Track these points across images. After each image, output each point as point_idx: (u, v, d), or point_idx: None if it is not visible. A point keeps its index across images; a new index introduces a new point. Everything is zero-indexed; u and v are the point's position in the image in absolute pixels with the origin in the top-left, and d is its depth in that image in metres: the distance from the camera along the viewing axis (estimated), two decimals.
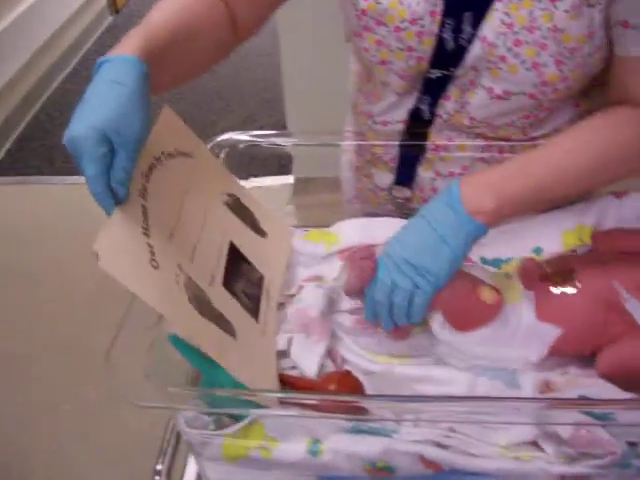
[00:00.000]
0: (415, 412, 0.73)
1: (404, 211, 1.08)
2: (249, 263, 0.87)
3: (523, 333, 0.81)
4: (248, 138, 1.01)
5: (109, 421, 2.04)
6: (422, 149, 1.03)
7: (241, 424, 0.73)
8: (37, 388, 2.21)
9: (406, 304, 0.79)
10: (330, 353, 0.84)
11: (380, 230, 1.00)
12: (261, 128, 3.15)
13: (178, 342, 0.73)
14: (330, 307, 0.88)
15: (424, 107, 0.99)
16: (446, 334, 0.82)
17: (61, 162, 3.26)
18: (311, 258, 0.98)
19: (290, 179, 2.74)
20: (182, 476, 0.86)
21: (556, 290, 0.83)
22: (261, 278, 0.87)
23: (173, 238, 0.75)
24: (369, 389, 0.80)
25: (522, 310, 0.82)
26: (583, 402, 0.71)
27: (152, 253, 0.69)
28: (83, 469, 1.98)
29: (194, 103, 3.55)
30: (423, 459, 0.73)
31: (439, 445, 0.73)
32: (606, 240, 0.93)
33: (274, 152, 1.04)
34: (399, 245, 0.82)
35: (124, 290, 0.65)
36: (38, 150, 3.37)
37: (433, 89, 0.96)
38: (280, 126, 2.99)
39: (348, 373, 0.79)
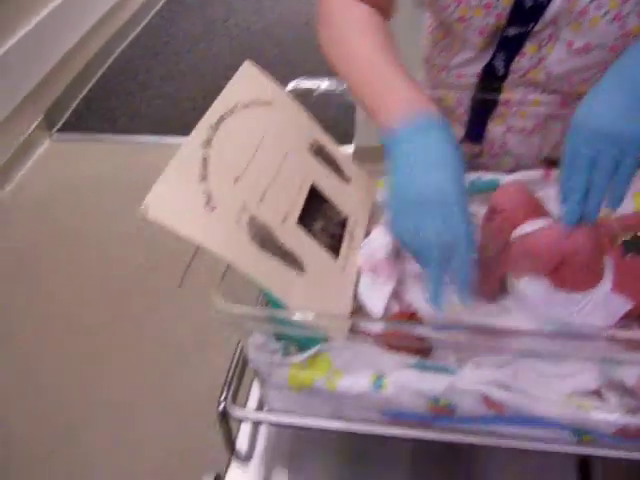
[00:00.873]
0: (482, 345, 0.73)
1: (471, 167, 1.07)
2: (331, 204, 0.89)
3: (596, 301, 0.80)
4: (322, 85, 1.02)
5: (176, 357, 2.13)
6: (494, 104, 1.02)
7: (307, 354, 0.74)
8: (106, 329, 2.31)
9: (606, 182, 0.73)
10: (397, 296, 0.85)
11: None
12: None
13: None
14: (397, 252, 0.89)
15: (498, 63, 0.98)
16: (542, 290, 0.81)
17: (124, 122, 3.32)
18: (381, 206, 0.99)
19: (350, 148, 2.73)
20: (245, 403, 0.89)
21: (626, 256, 0.82)
22: (345, 219, 0.89)
23: (239, 182, 0.77)
24: None
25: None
26: None
27: (209, 197, 0.72)
28: (147, 407, 2.06)
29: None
30: (486, 399, 0.73)
31: (503, 386, 0.74)
32: None
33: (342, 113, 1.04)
34: (591, 113, 0.74)
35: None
36: (103, 110, 3.44)
37: (509, 46, 0.95)
38: None
39: (413, 315, 0.80)
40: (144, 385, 2.11)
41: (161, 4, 4.47)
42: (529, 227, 0.86)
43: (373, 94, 0.81)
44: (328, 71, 0.95)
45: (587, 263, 0.79)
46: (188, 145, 0.74)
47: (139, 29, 4.19)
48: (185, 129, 0.75)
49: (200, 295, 0.69)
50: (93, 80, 3.69)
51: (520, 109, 1.01)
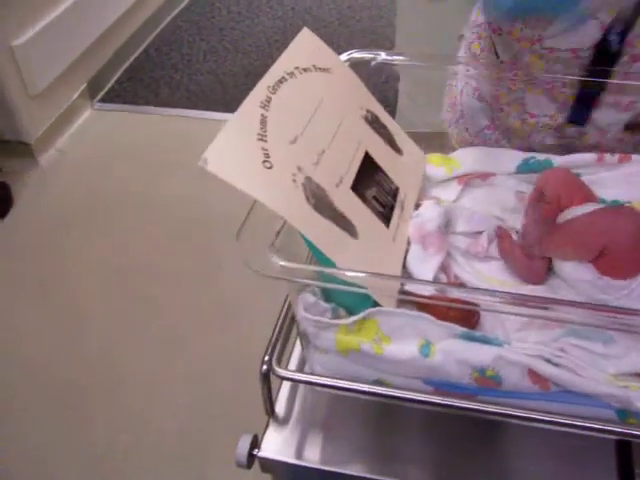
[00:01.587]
0: (532, 315, 0.72)
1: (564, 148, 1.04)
2: (384, 173, 0.89)
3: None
4: (379, 57, 1.02)
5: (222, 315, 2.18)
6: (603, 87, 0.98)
7: (357, 317, 0.75)
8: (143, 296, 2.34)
9: None
10: (444, 269, 0.85)
11: (500, 160, 1.00)
12: None
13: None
14: (447, 226, 0.89)
15: (613, 38, 0.92)
16: (587, 275, 0.80)
17: (166, 94, 3.34)
18: (430, 181, 0.99)
19: None
20: (286, 366, 0.90)
21: None
22: (396, 189, 0.89)
23: (296, 143, 0.77)
24: None
25: None
26: None
27: (266, 155, 0.72)
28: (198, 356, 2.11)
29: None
30: (532, 373, 0.73)
31: (549, 362, 0.74)
32: None
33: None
34: None
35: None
36: (146, 81, 3.47)
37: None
38: None
39: (462, 285, 0.80)
40: (190, 340, 2.17)
41: None
42: (575, 211, 0.86)
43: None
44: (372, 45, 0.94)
45: (629, 250, 0.78)
46: (247, 104, 0.75)
47: (185, 3, 4.20)
48: (226, 105, 0.76)
49: (255, 250, 0.70)
50: (137, 52, 3.72)
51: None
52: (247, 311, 2.16)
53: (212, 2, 4.19)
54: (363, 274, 0.69)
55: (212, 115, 3.04)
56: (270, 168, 0.72)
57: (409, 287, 0.68)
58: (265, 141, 0.73)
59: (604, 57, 0.95)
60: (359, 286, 0.70)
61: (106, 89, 3.43)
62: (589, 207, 0.86)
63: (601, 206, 0.87)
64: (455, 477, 0.85)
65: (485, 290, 0.70)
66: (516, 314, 0.76)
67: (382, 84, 1.06)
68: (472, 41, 1.15)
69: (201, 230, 2.46)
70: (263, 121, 0.75)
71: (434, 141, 1.23)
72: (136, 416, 2.00)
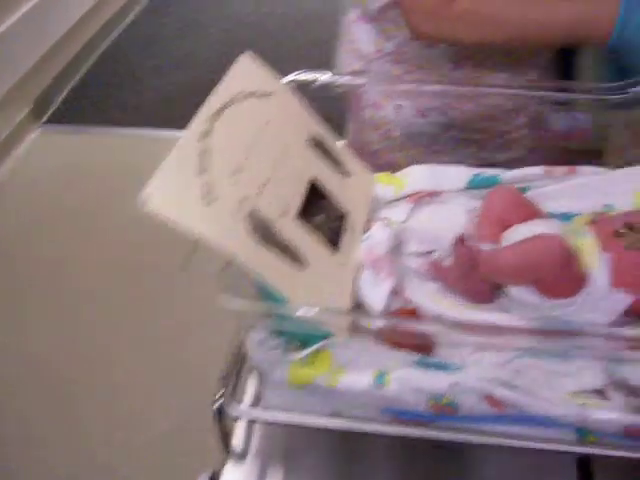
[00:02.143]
0: (488, 342, 0.71)
1: None
2: (331, 198, 0.87)
3: (595, 298, 0.79)
4: (321, 78, 1.00)
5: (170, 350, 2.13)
6: None
7: (309, 350, 0.73)
8: (103, 319, 2.28)
9: None
10: (397, 293, 0.84)
11: (448, 177, 1.00)
12: None
13: None
14: (398, 248, 0.88)
15: None
16: (529, 298, 0.80)
17: (114, 113, 3.29)
18: (379, 201, 0.98)
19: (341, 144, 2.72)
20: (240, 401, 0.88)
21: (629, 250, 0.82)
22: (344, 214, 0.88)
23: (238, 174, 0.75)
24: None
25: (597, 275, 0.80)
26: None
27: (208, 190, 0.70)
28: (142, 397, 2.05)
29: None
30: (488, 398, 0.72)
31: (505, 385, 0.73)
32: None
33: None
34: None
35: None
36: (93, 101, 3.41)
37: None
38: None
39: (414, 311, 0.79)
40: (134, 377, 2.10)
41: None
42: (518, 230, 0.86)
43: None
44: (323, 65, 0.94)
45: (561, 272, 0.79)
46: (186, 137, 0.73)
47: (130, 19, 4.16)
48: (176, 122, 0.74)
49: (201, 281, 0.68)
50: (83, 71, 3.66)
51: None
52: (198, 345, 2.10)
53: (158, 17, 4.15)
54: (314, 310, 0.67)
55: (161, 133, 2.99)
56: (212, 203, 0.70)
57: (360, 322, 0.67)
58: (206, 175, 0.71)
59: None
60: (310, 323, 0.68)
61: (52, 110, 3.36)
62: (532, 225, 0.86)
63: (545, 222, 0.88)
64: None
65: (435, 321, 0.69)
66: (467, 344, 0.75)
67: (331, 103, 1.06)
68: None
69: (153, 253, 2.42)
70: (203, 154, 0.73)
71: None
72: (90, 454, 1.95)
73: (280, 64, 0.93)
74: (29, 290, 2.42)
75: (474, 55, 1.14)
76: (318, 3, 4.03)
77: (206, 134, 0.75)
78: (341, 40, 1.25)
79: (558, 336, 0.66)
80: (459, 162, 1.02)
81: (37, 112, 3.28)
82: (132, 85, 3.49)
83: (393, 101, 1.20)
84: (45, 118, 3.31)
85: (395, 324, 0.68)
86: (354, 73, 1.01)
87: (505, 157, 1.19)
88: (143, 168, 0.70)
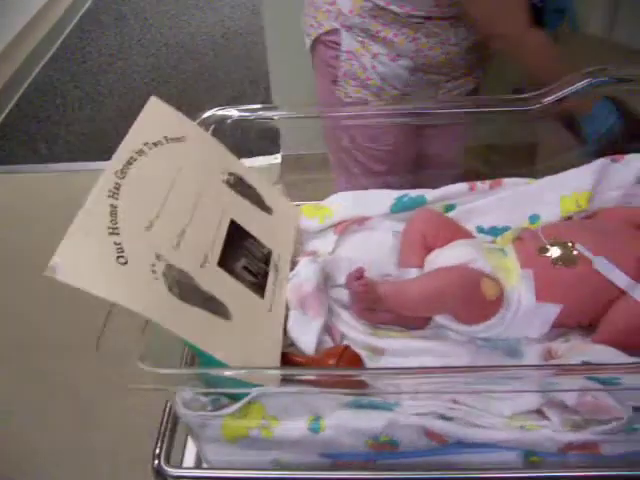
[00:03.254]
0: (418, 384, 0.70)
1: None
2: (254, 239, 0.85)
3: (524, 315, 0.80)
4: (235, 113, 0.98)
5: (106, 410, 2.03)
6: None
7: (240, 404, 0.71)
8: (31, 381, 2.20)
9: None
10: (328, 329, 0.83)
11: (373, 202, 0.99)
12: None
13: None
14: (326, 281, 0.87)
15: None
16: (452, 325, 0.82)
17: (45, 150, 3.22)
18: (305, 233, 0.97)
19: (278, 158, 2.71)
20: (182, 459, 0.85)
21: (554, 265, 0.82)
22: (269, 253, 0.86)
23: (152, 228, 0.72)
24: (368, 363, 0.78)
25: (521, 293, 0.81)
26: (587, 367, 0.69)
27: (120, 250, 0.67)
28: (82, 456, 1.97)
29: (177, 86, 3.49)
30: (427, 432, 0.71)
31: (443, 417, 0.72)
32: (611, 215, 0.92)
33: (261, 130, 1.02)
34: None
35: None
36: (21, 138, 3.32)
37: None
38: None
39: (347, 347, 0.78)
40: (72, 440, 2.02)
41: (74, 22, 4.33)
42: (440, 254, 0.88)
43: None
44: (249, 82, 0.93)
45: (466, 302, 0.81)
46: (94, 196, 0.70)
47: (54, 50, 4.06)
48: (110, 152, 0.72)
49: (121, 358, 0.65)
50: (8, 107, 3.56)
51: None
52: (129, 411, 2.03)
53: (82, 46, 4.07)
54: (240, 371, 0.65)
55: (96, 165, 2.91)
56: (125, 264, 0.67)
57: (291, 376, 0.66)
58: (117, 234, 0.68)
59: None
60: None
61: None
62: (451, 248, 0.88)
63: (465, 244, 0.89)
64: None
65: (367, 370, 0.68)
66: (401, 392, 0.74)
67: (259, 139, 1.05)
68: None
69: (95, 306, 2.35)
70: (113, 212, 0.70)
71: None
72: None
73: (209, 84, 0.90)
74: None
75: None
76: (242, 21, 4.02)
77: (115, 190, 0.72)
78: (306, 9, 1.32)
79: (490, 371, 0.65)
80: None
81: None
82: (61, 119, 3.41)
83: (370, 51, 1.24)
84: None
85: (325, 375, 0.67)
86: (266, 107, 0.99)
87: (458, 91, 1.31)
88: (79, 203, 0.67)
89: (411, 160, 1.37)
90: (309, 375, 0.65)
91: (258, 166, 2.51)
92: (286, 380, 0.70)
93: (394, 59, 1.24)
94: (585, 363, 0.73)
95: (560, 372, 0.67)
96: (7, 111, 3.53)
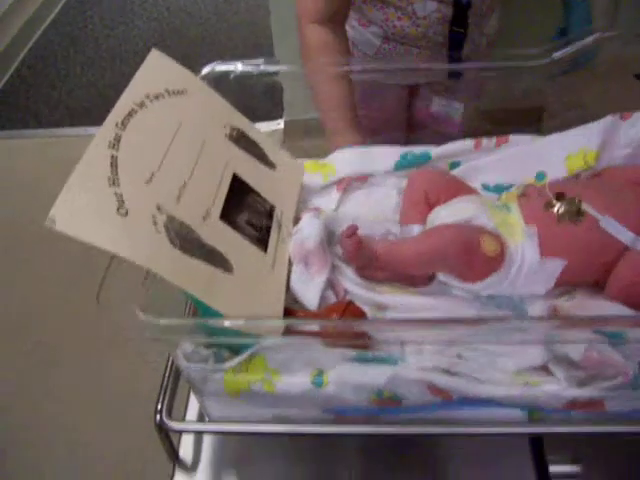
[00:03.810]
0: (421, 336, 0.69)
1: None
2: (257, 194, 0.84)
3: (528, 271, 0.79)
4: (239, 68, 0.96)
5: (108, 366, 2.04)
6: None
7: (242, 357, 0.70)
8: (33, 344, 2.20)
9: None
10: (331, 285, 0.81)
11: (376, 159, 0.98)
12: None
13: None
14: (329, 238, 0.86)
15: None
16: (454, 283, 0.81)
17: (46, 115, 3.19)
18: (308, 190, 0.95)
19: (280, 124, 2.67)
20: (184, 415, 0.85)
21: (559, 221, 0.81)
22: (272, 208, 0.84)
23: (153, 180, 0.71)
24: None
25: (525, 249, 0.79)
26: (593, 320, 0.67)
27: (121, 201, 0.66)
28: (85, 418, 1.99)
29: (180, 51, 3.45)
30: (431, 387, 0.71)
31: (447, 372, 0.71)
32: (618, 173, 0.90)
33: (263, 89, 1.00)
34: None
35: None
36: (22, 103, 3.30)
37: None
38: None
39: (350, 303, 0.77)
40: (79, 400, 2.03)
41: None
42: (441, 211, 0.86)
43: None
44: (252, 46, 0.91)
45: (464, 260, 0.79)
46: (94, 146, 0.69)
47: (54, 15, 4.02)
48: None
49: (123, 309, 0.64)
50: (8, 73, 3.53)
51: None
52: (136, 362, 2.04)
53: (83, 11, 4.02)
54: (242, 321, 0.64)
55: (97, 130, 2.90)
56: (126, 215, 0.65)
57: (293, 327, 0.64)
58: (118, 185, 0.67)
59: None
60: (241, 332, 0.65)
61: None
62: (452, 204, 0.87)
63: (467, 200, 0.87)
64: None
65: (370, 321, 0.67)
66: (404, 341, 0.73)
67: (261, 96, 1.03)
68: None
69: (98, 263, 2.34)
70: (114, 163, 0.68)
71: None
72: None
73: (211, 48, 0.89)
74: None
75: None
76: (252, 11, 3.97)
77: (116, 142, 0.71)
78: None
79: (494, 322, 0.64)
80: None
81: None
82: (62, 84, 3.38)
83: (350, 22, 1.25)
84: None
85: (330, 326, 0.65)
86: (269, 61, 0.97)
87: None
88: None
89: (404, 120, 1.37)
90: (312, 326, 0.64)
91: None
92: (289, 331, 0.69)
93: (365, 25, 1.24)
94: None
95: (566, 325, 0.65)
96: (7, 76, 3.51)
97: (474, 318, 0.75)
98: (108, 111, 0.72)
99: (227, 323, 0.63)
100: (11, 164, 2.91)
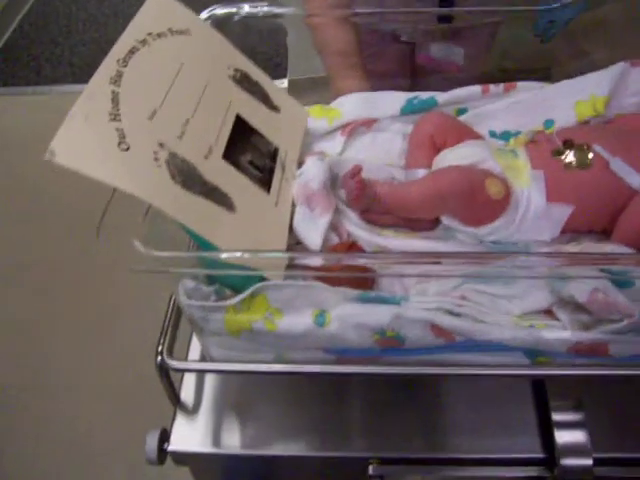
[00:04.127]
0: (425, 271, 0.69)
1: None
2: (260, 135, 0.83)
3: (534, 216, 0.78)
4: (244, 10, 0.95)
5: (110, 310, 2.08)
6: None
7: (243, 295, 0.69)
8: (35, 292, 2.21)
9: None
10: (335, 228, 0.81)
11: (382, 103, 0.96)
12: None
13: None
14: (333, 181, 0.85)
15: None
16: (458, 227, 0.80)
17: (48, 71, 3.16)
18: (313, 135, 0.94)
19: (284, 83, 2.65)
20: (186, 356, 0.85)
21: (567, 167, 0.80)
22: (275, 150, 0.83)
23: (154, 117, 0.70)
24: None
25: (531, 194, 0.78)
26: (599, 257, 0.67)
27: (122, 136, 0.65)
28: (86, 361, 2.01)
29: None
30: (434, 327, 0.70)
31: (451, 313, 0.70)
32: (629, 121, 0.89)
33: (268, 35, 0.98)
34: None
35: None
36: (24, 60, 3.27)
37: None
38: None
39: (354, 243, 0.76)
40: (77, 343, 2.05)
41: None
42: (447, 155, 0.86)
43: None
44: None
45: (468, 202, 0.78)
46: (95, 82, 0.67)
47: None
48: None
49: (123, 243, 0.63)
50: (9, 29, 3.49)
51: None
52: (138, 302, 2.04)
53: None
54: (244, 254, 0.63)
55: None
56: (127, 150, 0.64)
57: (296, 261, 0.63)
58: (119, 120, 0.66)
59: None
60: (243, 267, 0.65)
61: None
62: (458, 148, 0.86)
63: (473, 144, 0.87)
64: (379, 441, 0.81)
65: (376, 254, 0.66)
66: (407, 275, 0.73)
67: (266, 39, 1.02)
68: None
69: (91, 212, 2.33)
70: (115, 99, 0.67)
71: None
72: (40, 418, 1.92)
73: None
74: None
75: None
76: None
77: (117, 77, 0.69)
78: None
79: (499, 258, 0.63)
80: None
81: None
82: (64, 40, 3.35)
83: None
84: None
85: (333, 260, 0.64)
86: (274, 4, 0.95)
87: None
88: None
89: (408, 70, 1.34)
90: (315, 259, 0.63)
91: None
92: (290, 272, 0.68)
93: None
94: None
95: (572, 262, 0.64)
96: (9, 33, 3.48)
97: (480, 252, 0.74)
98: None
99: (228, 255, 0.62)
100: (13, 120, 2.89)
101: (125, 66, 0.71)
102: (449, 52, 1.19)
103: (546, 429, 0.78)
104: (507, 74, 1.02)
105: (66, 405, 1.94)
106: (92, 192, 0.69)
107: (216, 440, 0.82)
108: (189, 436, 0.83)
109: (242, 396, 0.86)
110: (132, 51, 0.73)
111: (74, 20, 3.50)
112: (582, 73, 0.94)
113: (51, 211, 2.46)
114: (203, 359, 0.83)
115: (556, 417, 0.77)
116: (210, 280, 0.71)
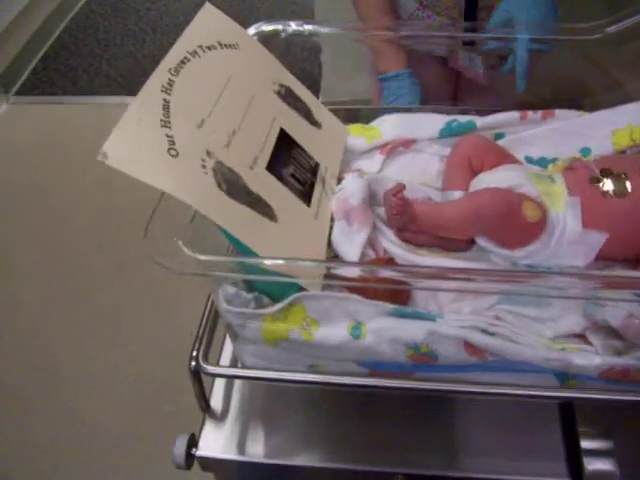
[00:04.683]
0: (459, 286, 0.69)
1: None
2: (302, 149, 0.85)
3: (569, 242, 0.79)
4: (290, 27, 0.97)
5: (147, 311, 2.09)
6: None
7: (282, 304, 0.71)
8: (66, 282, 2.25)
9: None
10: (372, 244, 0.82)
11: (421, 125, 0.97)
12: None
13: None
14: (371, 198, 0.86)
15: None
16: (493, 249, 0.81)
17: (85, 82, 3.22)
18: (351, 152, 0.96)
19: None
20: (218, 362, 0.86)
21: (604, 195, 0.80)
22: (316, 165, 0.85)
23: (203, 126, 0.72)
24: None
25: (567, 219, 0.79)
26: (635, 281, 0.66)
27: (171, 142, 0.67)
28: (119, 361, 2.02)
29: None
30: (467, 345, 0.71)
31: (484, 332, 0.71)
32: None
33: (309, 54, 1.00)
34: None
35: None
36: (62, 70, 3.33)
37: None
38: None
39: (391, 259, 0.77)
40: (112, 346, 2.06)
41: None
42: (485, 177, 0.86)
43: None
44: (292, 16, 0.91)
45: (505, 224, 0.79)
46: (147, 89, 0.70)
47: None
48: None
49: (167, 246, 0.65)
50: (50, 40, 3.56)
51: None
52: (178, 305, 2.08)
53: None
54: (285, 261, 0.65)
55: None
56: (176, 156, 0.67)
57: (334, 270, 0.65)
58: (169, 127, 0.68)
59: None
60: (283, 275, 0.66)
61: (21, 81, 3.28)
62: (496, 172, 0.86)
63: (511, 169, 0.87)
64: (405, 456, 0.81)
65: (412, 267, 0.67)
66: (442, 290, 0.73)
67: (303, 57, 1.04)
68: None
69: (132, 221, 2.37)
70: (166, 106, 0.70)
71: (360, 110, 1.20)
72: (72, 412, 1.94)
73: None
74: None
75: None
76: None
77: (169, 86, 0.72)
78: None
79: (534, 277, 0.64)
80: None
81: (6, 84, 3.20)
82: (102, 53, 3.41)
83: None
84: (14, 90, 3.23)
85: (372, 271, 0.66)
86: (324, 21, 0.97)
87: None
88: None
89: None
90: (352, 272, 0.64)
91: None
92: (328, 283, 0.70)
93: None
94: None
95: (606, 284, 0.65)
96: (49, 43, 3.54)
97: (514, 270, 0.75)
98: (146, 81, 0.73)
99: (270, 262, 0.64)
100: (50, 129, 2.94)
101: (176, 75, 0.73)
102: (471, 61, 1.23)
103: (574, 455, 0.77)
104: (544, 100, 1.04)
105: (71, 405, 1.95)
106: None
107: (242, 447, 0.83)
108: (217, 442, 0.84)
109: (269, 405, 0.87)
110: (183, 62, 0.76)
111: (112, 34, 3.57)
112: (616, 104, 0.95)
113: (89, 214, 2.50)
114: (233, 366, 0.84)
115: (585, 444, 0.77)
116: (249, 288, 0.73)
